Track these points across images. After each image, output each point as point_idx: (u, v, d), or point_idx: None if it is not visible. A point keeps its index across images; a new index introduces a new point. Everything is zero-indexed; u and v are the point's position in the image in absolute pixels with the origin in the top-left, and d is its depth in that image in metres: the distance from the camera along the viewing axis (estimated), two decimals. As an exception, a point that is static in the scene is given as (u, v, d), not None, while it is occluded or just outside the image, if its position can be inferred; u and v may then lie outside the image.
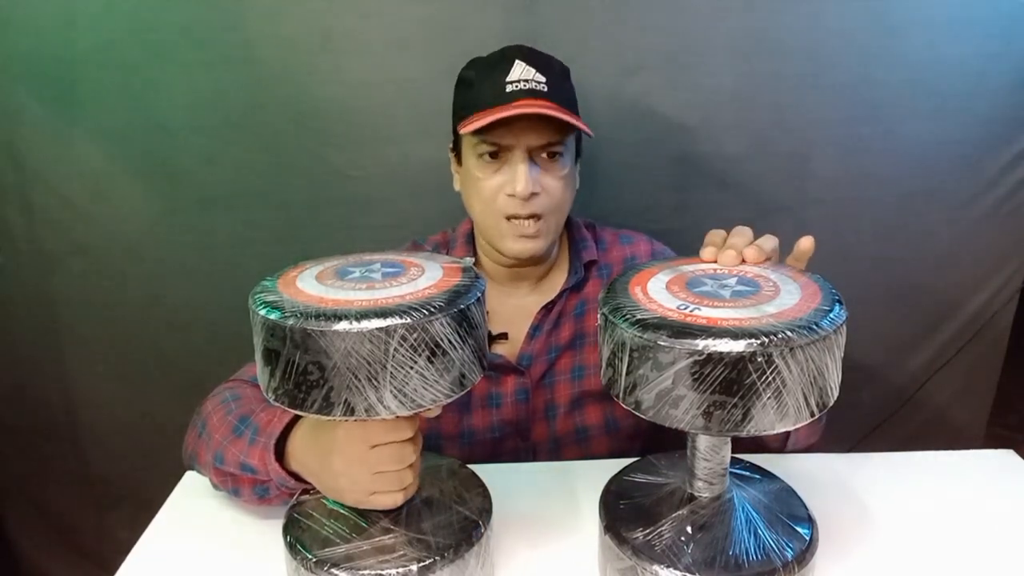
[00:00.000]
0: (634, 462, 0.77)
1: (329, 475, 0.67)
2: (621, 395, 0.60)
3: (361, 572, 0.62)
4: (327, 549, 0.65)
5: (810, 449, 0.90)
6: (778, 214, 1.25)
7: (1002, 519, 0.78)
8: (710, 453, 0.66)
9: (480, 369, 0.64)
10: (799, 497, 0.72)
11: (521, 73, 0.85)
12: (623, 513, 0.68)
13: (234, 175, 1.22)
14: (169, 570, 0.74)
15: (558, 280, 0.99)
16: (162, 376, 1.33)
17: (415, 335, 0.57)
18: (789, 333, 0.54)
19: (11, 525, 1.46)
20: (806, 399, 0.56)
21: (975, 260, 1.31)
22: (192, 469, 0.85)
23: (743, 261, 0.69)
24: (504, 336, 0.96)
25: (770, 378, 0.54)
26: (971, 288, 1.33)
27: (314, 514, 0.69)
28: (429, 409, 0.61)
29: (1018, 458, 0.90)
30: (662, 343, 0.55)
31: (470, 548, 0.66)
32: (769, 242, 0.70)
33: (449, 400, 0.61)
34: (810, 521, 0.68)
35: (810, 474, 0.82)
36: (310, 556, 0.64)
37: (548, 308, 0.96)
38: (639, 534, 0.65)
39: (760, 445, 0.86)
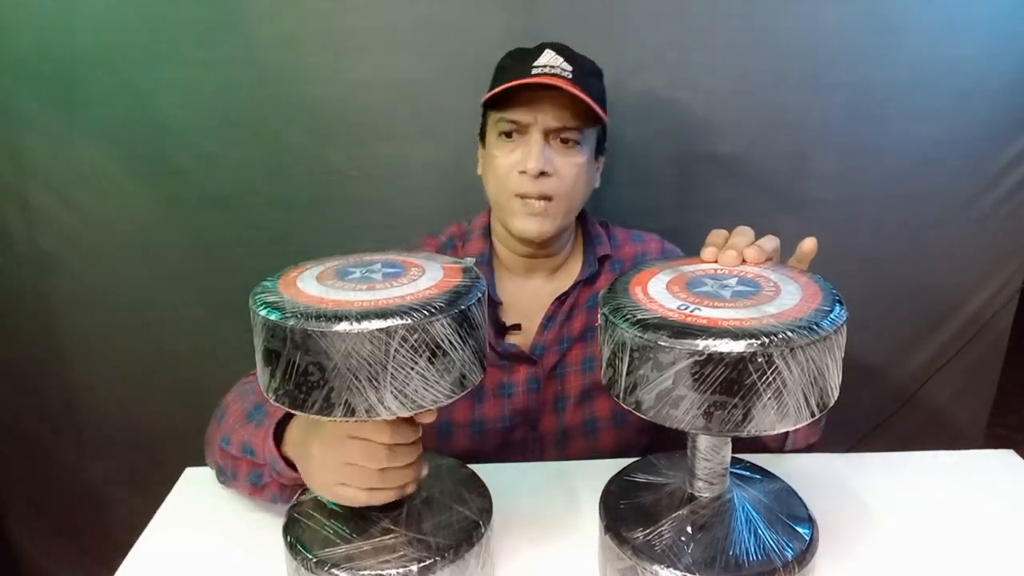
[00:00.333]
0: (634, 462, 0.77)
1: (307, 456, 0.69)
2: (622, 395, 0.60)
3: (361, 572, 0.62)
4: (327, 549, 0.65)
5: (810, 449, 0.90)
6: (778, 214, 1.25)
7: (1002, 519, 0.78)
8: (710, 453, 0.66)
9: (481, 370, 0.64)
10: (799, 497, 0.72)
11: (550, 60, 0.89)
12: (623, 513, 0.68)
13: (234, 175, 1.22)
14: (169, 570, 0.74)
15: (572, 273, 1.00)
16: (162, 376, 1.33)
17: (416, 336, 0.57)
18: (789, 333, 0.54)
19: (11, 525, 1.46)
20: (806, 399, 0.56)
21: (975, 260, 1.31)
22: (207, 460, 0.86)
23: (744, 261, 0.69)
24: (517, 327, 0.97)
25: (770, 378, 0.54)
26: (971, 288, 1.33)
27: (314, 514, 0.69)
28: (423, 413, 0.61)
29: (1018, 458, 0.90)
30: (662, 343, 0.55)
31: (470, 548, 0.66)
32: (770, 242, 0.71)
33: (450, 401, 0.61)
34: (810, 521, 0.68)
35: (810, 474, 0.82)
36: (310, 556, 0.64)
37: (561, 300, 0.98)
38: (639, 534, 0.65)
39: (759, 445, 0.86)
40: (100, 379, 1.34)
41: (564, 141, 0.90)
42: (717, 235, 0.73)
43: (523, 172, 0.88)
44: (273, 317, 0.58)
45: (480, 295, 0.63)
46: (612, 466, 0.77)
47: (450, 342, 0.59)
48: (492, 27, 1.14)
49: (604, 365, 0.63)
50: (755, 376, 0.54)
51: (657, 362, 0.56)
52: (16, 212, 1.25)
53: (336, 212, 1.24)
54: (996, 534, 0.76)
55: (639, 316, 0.58)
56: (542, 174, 0.88)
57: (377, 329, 0.56)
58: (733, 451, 0.69)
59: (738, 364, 0.54)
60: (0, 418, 1.39)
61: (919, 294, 1.32)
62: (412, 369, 0.57)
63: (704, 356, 0.54)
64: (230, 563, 0.75)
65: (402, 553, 0.64)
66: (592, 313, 0.99)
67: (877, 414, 1.39)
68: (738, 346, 0.53)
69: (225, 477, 0.82)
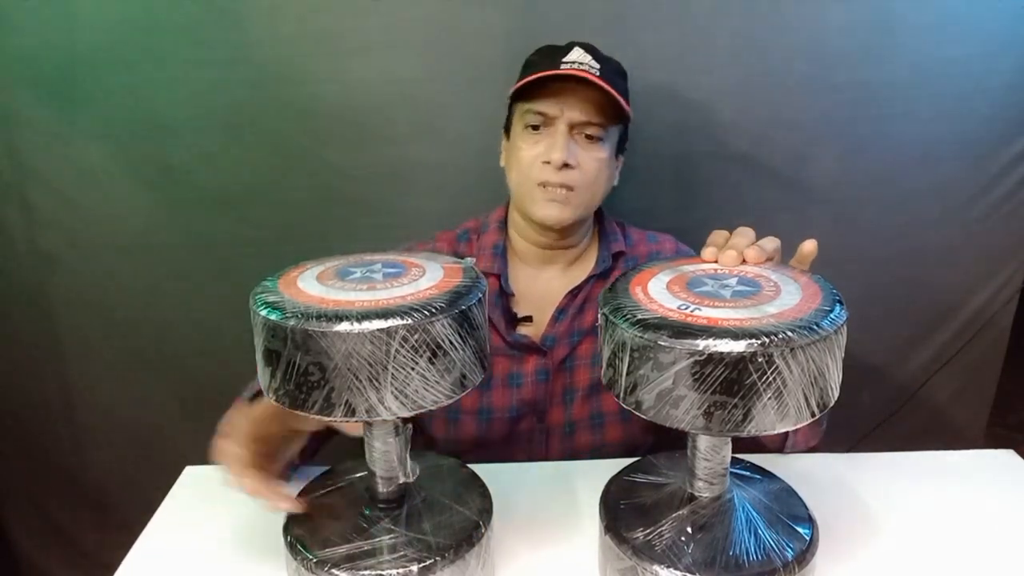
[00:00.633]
0: (634, 462, 0.77)
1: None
2: (622, 395, 0.60)
3: (361, 572, 0.62)
4: (327, 549, 0.65)
5: (810, 451, 0.90)
6: (778, 214, 1.25)
7: (1002, 519, 0.79)
8: (711, 453, 0.66)
9: (481, 370, 0.64)
10: (799, 497, 0.72)
11: (578, 57, 0.92)
12: (623, 513, 0.68)
13: (234, 175, 1.22)
14: (168, 570, 0.74)
15: (586, 267, 1.02)
16: (162, 376, 1.33)
17: (416, 336, 0.57)
18: (790, 333, 0.54)
19: (11, 525, 1.46)
20: (807, 399, 0.56)
21: (975, 260, 1.31)
22: None
23: (744, 261, 0.69)
24: (529, 319, 0.98)
25: (771, 378, 0.54)
26: (971, 288, 1.33)
27: (314, 514, 0.69)
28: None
29: (1018, 458, 0.90)
30: (663, 343, 0.55)
31: (470, 548, 0.66)
32: (771, 243, 0.71)
33: (450, 401, 0.61)
34: (810, 521, 0.68)
35: (810, 474, 0.82)
36: (310, 556, 0.64)
37: (574, 293, 0.99)
38: (639, 534, 0.65)
39: (758, 446, 0.86)
40: (100, 379, 1.34)
41: (588, 136, 0.92)
42: (718, 236, 0.73)
43: (547, 162, 0.91)
44: (273, 317, 0.58)
45: (481, 295, 0.63)
46: (612, 466, 0.77)
47: (451, 342, 0.59)
48: (492, 27, 1.15)
49: (604, 365, 0.63)
50: (755, 376, 0.54)
51: (657, 362, 0.56)
52: (16, 212, 1.25)
53: (336, 212, 1.24)
54: (996, 534, 0.76)
55: (639, 316, 0.58)
56: (565, 165, 0.91)
57: (378, 329, 0.56)
58: (733, 451, 0.69)
59: (738, 364, 0.54)
60: (0, 418, 1.39)
61: (919, 294, 1.32)
62: (412, 369, 0.57)
63: (704, 356, 0.54)
64: (230, 563, 0.75)
65: (402, 553, 0.64)
66: None
67: (877, 414, 1.39)
68: (738, 346, 0.53)
69: None
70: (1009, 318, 1.36)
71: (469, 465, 0.78)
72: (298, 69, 1.17)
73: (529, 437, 0.99)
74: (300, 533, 0.67)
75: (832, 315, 0.58)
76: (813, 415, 0.57)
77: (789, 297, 0.61)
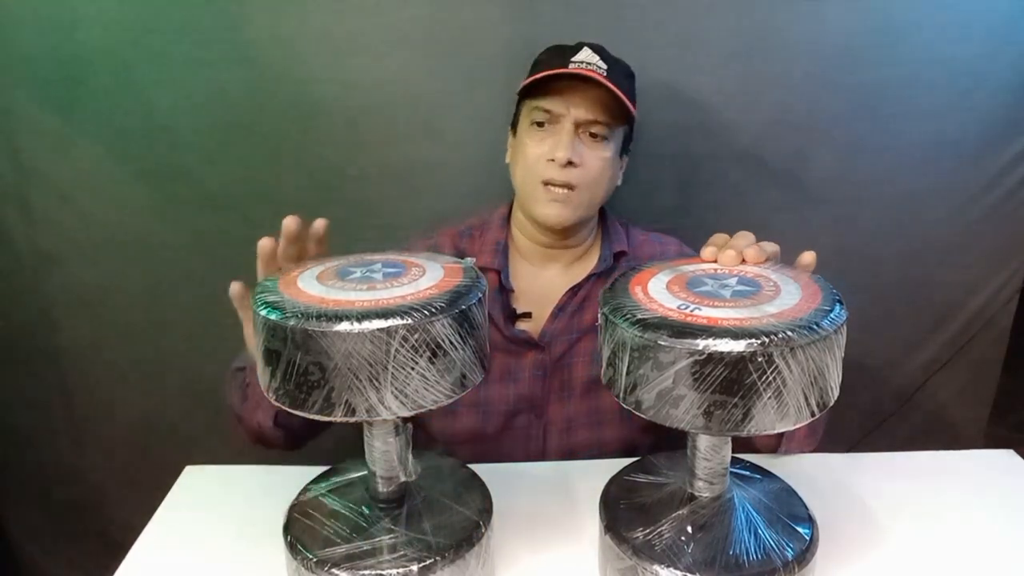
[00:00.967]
0: (634, 462, 0.77)
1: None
2: (622, 395, 0.60)
3: (361, 572, 0.62)
4: (327, 549, 0.65)
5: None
6: (778, 214, 1.25)
7: (1002, 519, 0.79)
8: (710, 453, 0.66)
9: (481, 370, 0.64)
10: (799, 497, 0.72)
11: (587, 57, 0.93)
12: (623, 513, 0.68)
13: (234, 175, 1.22)
14: (168, 570, 0.74)
15: (588, 265, 1.02)
16: (162, 376, 1.33)
17: (416, 336, 0.57)
18: (789, 333, 0.54)
19: (11, 525, 1.46)
20: (806, 399, 0.56)
21: (975, 260, 1.31)
22: (232, 403, 0.92)
23: (743, 261, 0.69)
24: (528, 315, 0.99)
25: (770, 378, 0.54)
26: (971, 288, 1.33)
27: (314, 514, 0.69)
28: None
29: (1018, 458, 0.90)
30: (662, 343, 0.55)
31: (470, 548, 0.66)
32: (770, 246, 0.71)
33: (450, 401, 0.61)
34: (810, 521, 0.68)
35: (810, 474, 0.82)
36: (310, 556, 0.64)
37: (574, 291, 0.99)
38: (639, 534, 0.65)
39: (752, 448, 0.87)
40: (100, 379, 1.34)
41: (593, 135, 0.93)
42: (718, 237, 0.73)
43: (551, 160, 0.92)
44: (273, 317, 0.58)
45: (481, 295, 0.63)
46: (612, 466, 0.77)
47: (451, 342, 0.59)
48: (492, 27, 1.15)
49: (604, 365, 0.63)
50: (755, 376, 0.54)
51: (657, 362, 0.56)
52: (16, 212, 1.25)
53: (336, 212, 1.23)
54: (996, 534, 0.76)
55: (639, 316, 0.58)
56: (569, 163, 0.91)
57: (378, 329, 0.56)
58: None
59: (738, 364, 0.54)
60: (0, 418, 1.39)
61: (919, 294, 1.32)
62: (412, 369, 0.58)
63: (704, 356, 0.54)
64: (230, 563, 0.75)
65: (402, 553, 0.64)
66: None
67: (877, 414, 1.39)
68: (738, 346, 0.53)
69: (234, 402, 0.90)
70: (1009, 318, 1.36)
71: (469, 464, 0.78)
72: (298, 69, 1.17)
73: (527, 432, 0.99)
74: (300, 533, 0.67)
75: (832, 315, 0.58)
76: (813, 415, 0.57)
77: (789, 297, 0.61)
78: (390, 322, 0.56)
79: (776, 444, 0.88)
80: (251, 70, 1.16)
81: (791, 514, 0.68)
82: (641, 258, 1.03)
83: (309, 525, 0.68)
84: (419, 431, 0.99)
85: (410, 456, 0.69)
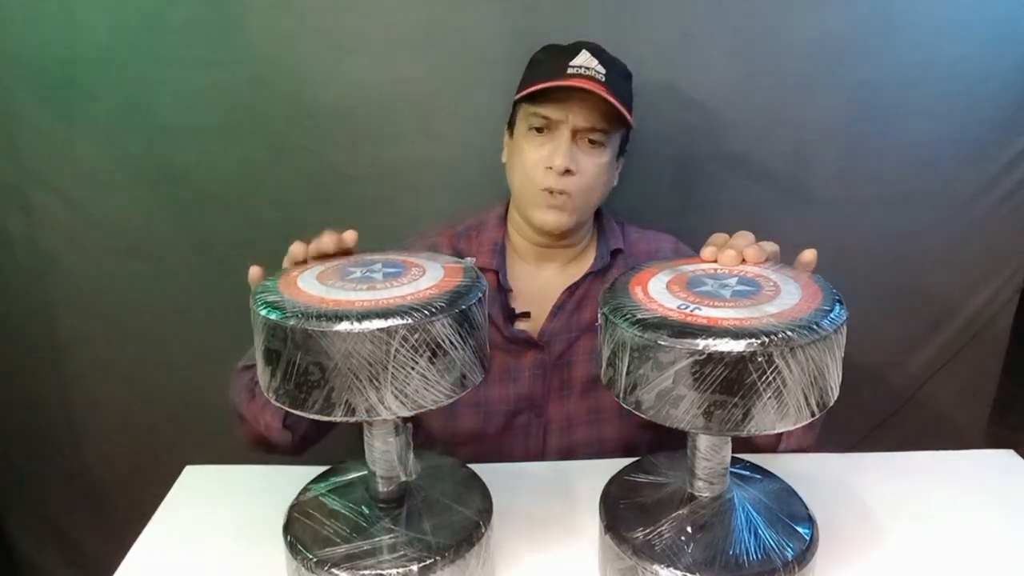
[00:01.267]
0: (634, 462, 0.77)
1: None
2: (622, 394, 0.60)
3: (361, 572, 0.62)
4: (327, 549, 0.65)
5: (809, 451, 0.90)
6: (778, 214, 1.25)
7: (1002, 519, 0.79)
8: (710, 453, 0.66)
9: (481, 369, 0.64)
10: (799, 497, 0.72)
11: (585, 61, 0.92)
12: (623, 513, 0.68)
13: (234, 175, 1.22)
14: (169, 570, 0.74)
15: (585, 264, 1.02)
16: (162, 376, 1.33)
17: (416, 336, 0.57)
18: (789, 333, 0.54)
19: (11, 525, 1.46)
20: (806, 399, 0.56)
21: (975, 260, 1.31)
22: (237, 402, 0.91)
23: (743, 261, 0.69)
24: (527, 315, 0.99)
25: (770, 378, 0.54)
26: (971, 288, 1.33)
27: (314, 514, 0.69)
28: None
29: (1018, 458, 0.90)
30: (662, 343, 0.55)
31: (470, 548, 0.66)
32: (769, 246, 0.71)
33: (450, 400, 0.61)
34: (810, 521, 0.68)
35: (810, 474, 0.82)
36: (310, 556, 0.64)
37: (572, 290, 0.99)
38: (639, 534, 0.65)
39: (751, 447, 0.87)
40: (100, 379, 1.34)
41: (591, 142, 0.93)
42: (718, 237, 0.73)
43: (549, 168, 0.91)
44: (273, 317, 0.58)
45: (481, 295, 0.63)
46: (612, 466, 0.77)
47: (451, 342, 0.59)
48: (492, 27, 1.14)
49: (604, 364, 0.63)
50: (755, 375, 0.54)
51: (657, 362, 0.56)
52: (16, 212, 1.25)
53: (336, 212, 1.24)
54: (996, 534, 0.76)
55: (639, 316, 0.58)
56: (567, 171, 0.91)
57: (378, 329, 0.56)
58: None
59: (738, 363, 0.54)
60: (0, 418, 1.39)
61: (919, 294, 1.32)
62: (412, 369, 0.58)
63: (704, 355, 0.54)
64: (230, 563, 0.75)
65: (402, 553, 0.64)
66: None
67: (877, 414, 1.39)
68: (738, 345, 0.53)
69: (239, 401, 0.89)
70: (1009, 318, 1.35)
71: (469, 464, 0.78)
72: (298, 69, 1.17)
73: (526, 431, 0.99)
74: (300, 533, 0.67)
75: (832, 315, 0.58)
76: (813, 415, 0.57)
77: (789, 297, 0.61)
78: (390, 322, 0.56)
79: (776, 443, 0.88)
80: (251, 70, 1.16)
81: (791, 514, 0.68)
82: (637, 256, 1.03)
83: (309, 525, 0.68)
84: (419, 431, 0.99)
85: (411, 456, 0.69)
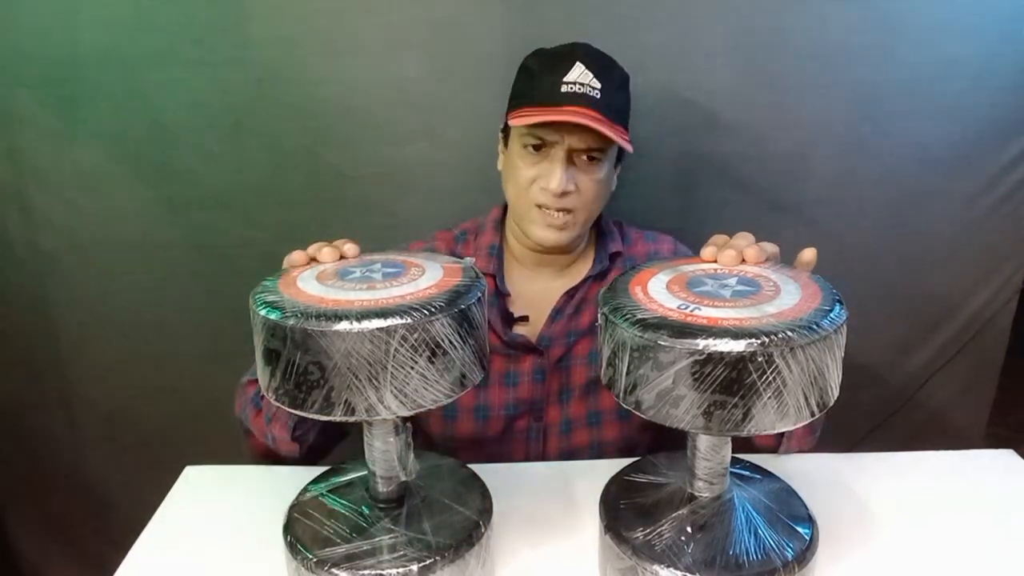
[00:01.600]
0: (634, 462, 0.77)
1: None
2: (622, 394, 0.60)
3: (361, 572, 0.62)
4: (327, 549, 0.65)
5: (808, 451, 0.90)
6: (778, 214, 1.25)
7: (1002, 519, 0.78)
8: (710, 453, 0.66)
9: (481, 369, 0.64)
10: (799, 497, 0.72)
11: (579, 76, 0.88)
12: (623, 513, 0.68)
13: (234, 175, 1.22)
14: (168, 570, 0.74)
15: (583, 268, 1.01)
16: (162, 376, 1.33)
17: (416, 335, 0.57)
18: (789, 333, 0.54)
19: (11, 525, 1.46)
20: (806, 399, 0.56)
21: (975, 260, 1.31)
22: (243, 417, 0.91)
23: (743, 261, 0.69)
24: (525, 319, 0.99)
25: (770, 378, 0.54)
26: (971, 288, 1.33)
27: (314, 514, 0.69)
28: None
29: (1018, 458, 0.90)
30: (662, 343, 0.55)
31: (470, 548, 0.66)
32: (770, 247, 0.71)
33: (450, 400, 0.61)
34: (810, 521, 0.68)
35: (810, 474, 0.82)
36: (310, 556, 0.64)
37: (571, 294, 0.99)
38: (639, 534, 0.65)
39: (752, 448, 0.87)
40: (100, 379, 1.34)
41: (589, 159, 0.91)
42: (718, 237, 0.73)
43: (545, 188, 0.90)
44: (273, 316, 0.58)
45: (480, 295, 0.63)
46: (612, 466, 0.77)
47: (450, 341, 0.59)
48: (492, 27, 1.14)
49: (604, 364, 0.63)
50: (755, 375, 0.54)
51: (657, 362, 0.56)
52: (16, 212, 1.25)
53: (336, 212, 1.24)
54: (996, 534, 0.76)
55: (639, 316, 0.58)
56: (564, 193, 0.89)
57: (377, 328, 0.56)
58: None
59: (738, 363, 0.54)
60: (0, 418, 1.39)
61: (919, 294, 1.32)
62: (412, 368, 0.58)
63: (704, 355, 0.54)
64: (230, 563, 0.75)
65: (402, 553, 0.64)
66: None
67: (877, 414, 1.39)
68: (738, 345, 0.53)
69: (244, 415, 0.89)
70: (1009, 318, 1.35)
71: (469, 465, 0.78)
72: (298, 69, 1.17)
73: (526, 435, 0.99)
74: (300, 533, 0.67)
75: (832, 315, 0.58)
76: (813, 415, 0.57)
77: (789, 297, 0.61)
78: (389, 321, 0.56)
79: (776, 444, 0.88)
80: (251, 70, 1.16)
81: (791, 514, 0.68)
82: (636, 257, 1.03)
83: (309, 525, 0.68)
84: (418, 436, 0.99)
85: (410, 456, 0.69)
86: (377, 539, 0.65)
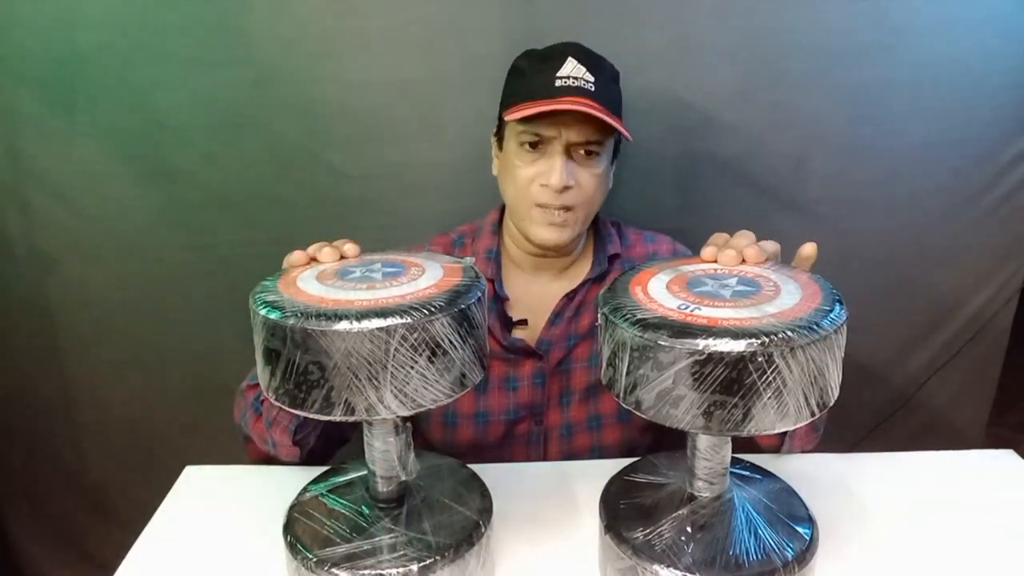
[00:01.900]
0: (634, 462, 0.77)
1: None
2: (622, 395, 0.60)
3: (361, 572, 0.62)
4: (327, 549, 0.65)
5: (808, 451, 0.90)
6: (778, 214, 1.25)
7: (1002, 519, 0.78)
8: (710, 453, 0.66)
9: (481, 369, 0.64)
10: (799, 497, 0.72)
11: (572, 70, 0.88)
12: (623, 513, 0.68)
13: (234, 175, 1.22)
14: (168, 570, 0.74)
15: (582, 270, 1.01)
16: (161, 376, 1.33)
17: (415, 335, 0.57)
18: (789, 333, 0.54)
19: (11, 525, 1.46)
20: (806, 399, 0.56)
21: (975, 260, 1.31)
22: (242, 423, 0.90)
23: (743, 261, 0.69)
24: (524, 322, 0.98)
25: (770, 378, 0.54)
26: (971, 288, 1.33)
27: (314, 514, 0.69)
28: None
29: (1018, 458, 0.90)
30: (663, 343, 0.55)
31: (470, 548, 0.66)
32: (771, 245, 0.71)
33: (450, 400, 0.61)
34: (810, 521, 0.68)
35: (810, 474, 0.82)
36: (310, 556, 0.64)
37: (570, 297, 0.99)
38: (639, 534, 0.65)
39: (754, 448, 0.86)
40: (100, 379, 1.34)
41: (587, 153, 0.90)
42: (718, 237, 0.73)
43: (544, 185, 0.89)
44: (273, 316, 0.58)
45: (480, 294, 0.63)
46: (612, 466, 0.77)
47: (450, 341, 0.59)
48: (492, 27, 1.14)
49: (604, 365, 0.63)
50: (755, 375, 0.54)
51: (657, 362, 0.56)
52: (16, 213, 1.25)
53: (336, 212, 1.24)
54: (996, 534, 0.76)
55: (639, 316, 0.58)
56: (565, 188, 0.89)
57: (377, 328, 0.56)
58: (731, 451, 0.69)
59: (738, 363, 0.54)
60: (0, 418, 1.39)
61: (919, 294, 1.32)
62: (412, 368, 0.58)
63: (704, 356, 0.54)
64: (230, 563, 0.75)
65: (402, 553, 0.64)
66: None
67: (877, 414, 1.39)
68: (738, 345, 0.53)
69: (244, 421, 0.88)
70: (1009, 318, 1.35)
71: (469, 465, 0.78)
72: (298, 69, 1.17)
73: (527, 440, 0.99)
74: (300, 533, 0.67)
75: (832, 315, 0.58)
76: (813, 415, 0.57)
77: (789, 297, 0.61)
78: (389, 321, 0.56)
79: (779, 443, 0.88)
80: (251, 70, 1.16)
81: (791, 514, 0.68)
82: (634, 259, 1.02)
83: (309, 525, 0.68)
84: (419, 440, 0.99)
85: (410, 455, 0.69)
86: (377, 539, 0.65)
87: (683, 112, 1.19)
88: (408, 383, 0.58)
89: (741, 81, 1.18)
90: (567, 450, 0.99)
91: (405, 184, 1.23)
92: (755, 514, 0.67)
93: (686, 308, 0.59)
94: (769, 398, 0.55)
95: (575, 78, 0.88)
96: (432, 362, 0.58)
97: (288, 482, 0.77)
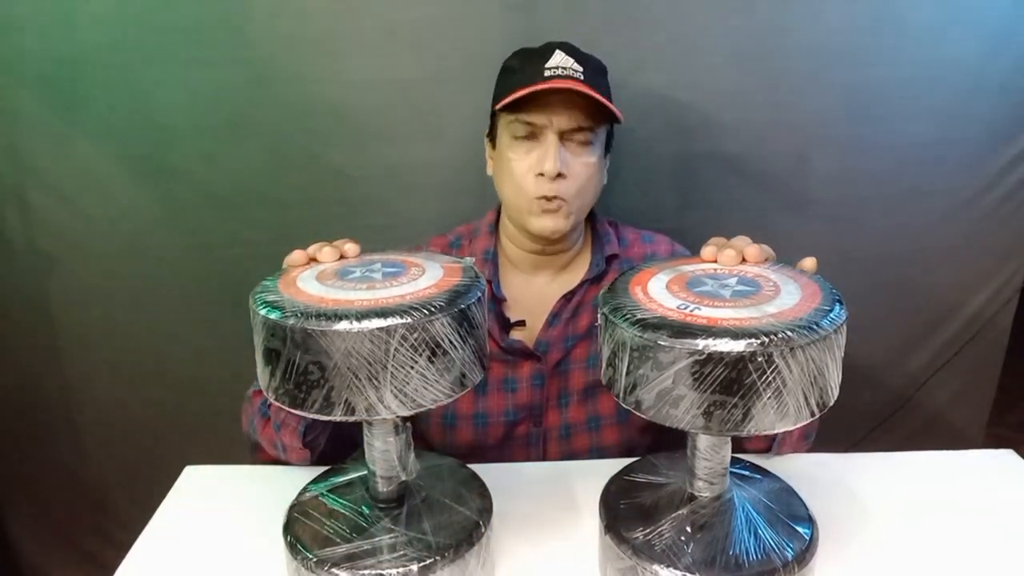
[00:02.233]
0: (634, 462, 0.77)
1: None
2: (621, 395, 0.60)
3: (361, 572, 0.62)
4: (327, 549, 0.65)
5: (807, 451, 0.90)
6: (778, 214, 1.25)
7: (1002, 519, 0.78)
8: (710, 453, 0.66)
9: (481, 369, 0.64)
10: (799, 497, 0.72)
11: (560, 61, 0.90)
12: (623, 513, 0.68)
13: (234, 175, 1.22)
14: (168, 570, 0.74)
15: (579, 271, 1.01)
16: (161, 376, 1.33)
17: (415, 335, 0.57)
18: (789, 333, 0.54)
19: (11, 525, 1.46)
20: (806, 399, 0.56)
21: (975, 260, 1.31)
22: (251, 430, 0.90)
23: (743, 260, 0.69)
24: (522, 323, 0.98)
25: (770, 378, 0.54)
26: (971, 288, 1.33)
27: (314, 514, 0.69)
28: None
29: (1018, 458, 0.90)
30: (662, 343, 0.55)
31: (470, 548, 0.66)
32: (766, 249, 0.71)
33: (450, 400, 0.61)
34: (810, 521, 0.68)
35: (810, 474, 0.82)
36: (310, 556, 0.64)
37: (568, 298, 0.98)
38: (639, 534, 0.65)
39: (741, 450, 0.86)
40: (100, 379, 1.34)
41: (579, 142, 0.91)
42: (717, 240, 0.73)
43: (540, 174, 0.90)
44: (273, 316, 0.58)
45: (480, 294, 0.63)
46: (612, 466, 0.77)
47: (450, 341, 0.59)
48: (492, 27, 1.14)
49: (604, 365, 0.63)
50: (755, 375, 0.54)
51: (657, 362, 0.56)
52: (16, 212, 1.25)
53: (336, 212, 1.24)
54: (996, 534, 0.76)
55: (639, 316, 0.58)
56: (559, 175, 0.89)
57: (377, 328, 0.56)
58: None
59: (738, 363, 0.54)
60: (0, 418, 1.39)
61: (919, 294, 1.32)
62: (412, 368, 0.58)
63: (704, 356, 0.54)
64: (230, 563, 0.75)
65: (402, 553, 0.64)
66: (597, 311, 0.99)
67: (877, 414, 1.39)
68: (738, 345, 0.53)
69: (252, 428, 0.88)
70: (1009, 318, 1.36)
71: (469, 465, 0.78)
72: (298, 69, 1.17)
73: (526, 441, 0.99)
74: (300, 533, 0.67)
75: (832, 315, 0.58)
76: (813, 415, 0.57)
77: (789, 297, 0.61)
78: (389, 321, 0.56)
79: (767, 446, 0.88)
80: (251, 70, 1.16)
81: (791, 514, 0.68)
82: (632, 259, 1.02)
83: (309, 525, 0.68)
84: (419, 442, 0.99)
85: (410, 455, 0.69)
86: (377, 539, 0.65)
87: (683, 112, 1.19)
88: (408, 383, 0.58)
89: (741, 81, 1.18)
90: (566, 451, 0.99)
91: (405, 184, 1.23)
92: (755, 514, 0.67)
93: (686, 308, 0.59)
94: (769, 398, 0.55)
95: (563, 67, 0.89)
96: (432, 362, 0.58)
97: (288, 482, 0.77)
